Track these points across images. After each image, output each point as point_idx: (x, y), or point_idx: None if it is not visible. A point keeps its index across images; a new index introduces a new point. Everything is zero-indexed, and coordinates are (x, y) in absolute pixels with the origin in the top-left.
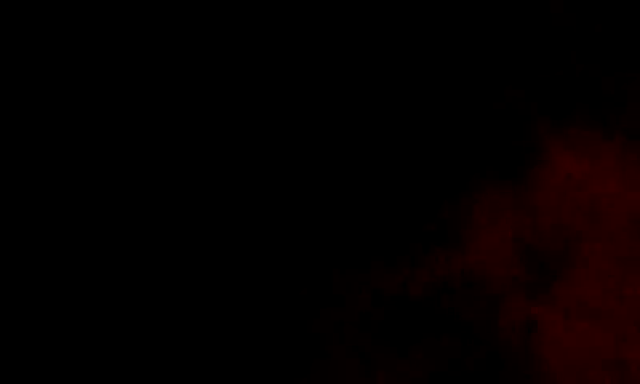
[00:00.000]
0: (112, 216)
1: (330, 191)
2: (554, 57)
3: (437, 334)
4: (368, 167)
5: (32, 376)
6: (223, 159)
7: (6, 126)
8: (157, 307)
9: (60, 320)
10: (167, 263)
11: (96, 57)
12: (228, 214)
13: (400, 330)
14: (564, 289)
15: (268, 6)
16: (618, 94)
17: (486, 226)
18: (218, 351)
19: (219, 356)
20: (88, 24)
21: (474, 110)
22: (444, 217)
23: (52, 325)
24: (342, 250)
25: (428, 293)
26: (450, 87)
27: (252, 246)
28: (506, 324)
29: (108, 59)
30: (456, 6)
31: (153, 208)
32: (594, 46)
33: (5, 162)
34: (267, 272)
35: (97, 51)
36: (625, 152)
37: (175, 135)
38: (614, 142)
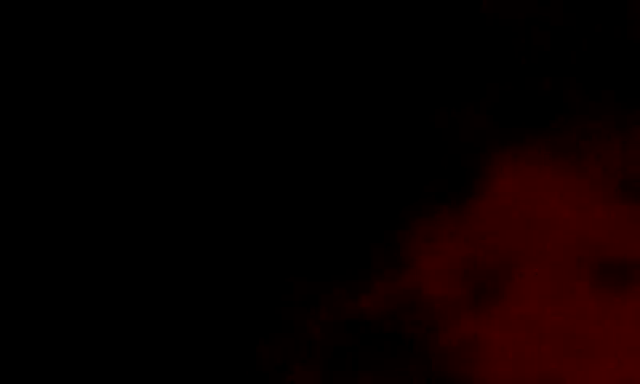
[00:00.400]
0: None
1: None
2: (504, 73)
3: (384, 357)
4: (301, 200)
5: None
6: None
7: (6, 124)
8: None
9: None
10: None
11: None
12: (163, 228)
13: (349, 354)
14: (502, 308)
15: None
16: (565, 115)
17: (430, 247)
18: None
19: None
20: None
21: (419, 127)
22: (389, 241)
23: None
24: (288, 274)
25: (372, 317)
26: (390, 105)
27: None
28: (448, 342)
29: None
30: (396, 16)
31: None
32: (546, 66)
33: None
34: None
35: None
36: (567, 174)
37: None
38: (558, 164)
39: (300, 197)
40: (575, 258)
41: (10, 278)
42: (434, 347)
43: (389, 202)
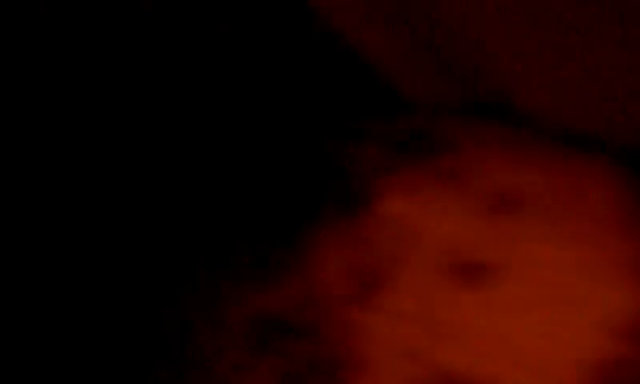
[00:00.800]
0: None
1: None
2: (389, 108)
3: (288, 343)
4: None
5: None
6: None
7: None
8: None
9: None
10: None
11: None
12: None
13: (260, 340)
14: (380, 300)
15: None
16: (448, 144)
17: (325, 254)
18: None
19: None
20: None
21: (316, 157)
22: (292, 249)
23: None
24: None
25: (278, 310)
26: (276, 129)
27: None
28: (336, 328)
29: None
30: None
31: None
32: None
33: None
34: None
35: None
36: (447, 194)
37: None
38: (439, 186)
39: (214, 203)
40: (443, 261)
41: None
42: (323, 335)
43: (293, 217)
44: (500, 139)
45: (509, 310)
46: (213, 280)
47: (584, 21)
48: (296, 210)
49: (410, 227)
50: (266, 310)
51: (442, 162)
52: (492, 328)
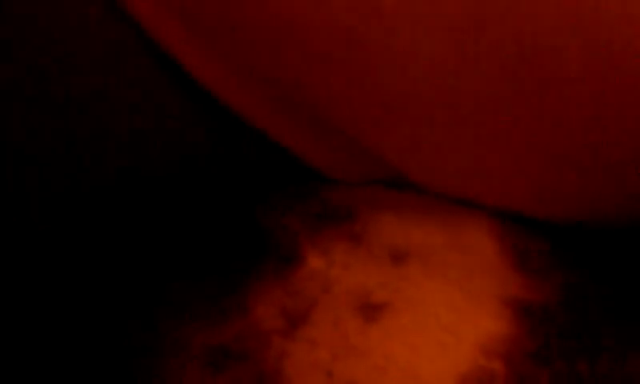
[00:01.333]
0: None
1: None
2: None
3: (233, 364)
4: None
5: None
6: None
7: None
8: None
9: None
10: None
11: None
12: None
13: (214, 363)
14: (303, 333)
15: None
16: (357, 213)
17: (263, 300)
18: None
19: None
20: None
21: (241, 219)
22: (236, 296)
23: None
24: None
25: (225, 341)
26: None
27: None
28: (270, 355)
29: None
30: None
31: None
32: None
33: None
34: None
35: None
36: (357, 250)
37: None
38: (348, 242)
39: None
40: (352, 301)
41: None
42: (261, 358)
43: (237, 271)
44: (396, 205)
45: (401, 336)
46: (178, 314)
47: (452, 113)
48: (239, 265)
49: (326, 277)
50: (218, 339)
51: (351, 226)
52: (388, 350)
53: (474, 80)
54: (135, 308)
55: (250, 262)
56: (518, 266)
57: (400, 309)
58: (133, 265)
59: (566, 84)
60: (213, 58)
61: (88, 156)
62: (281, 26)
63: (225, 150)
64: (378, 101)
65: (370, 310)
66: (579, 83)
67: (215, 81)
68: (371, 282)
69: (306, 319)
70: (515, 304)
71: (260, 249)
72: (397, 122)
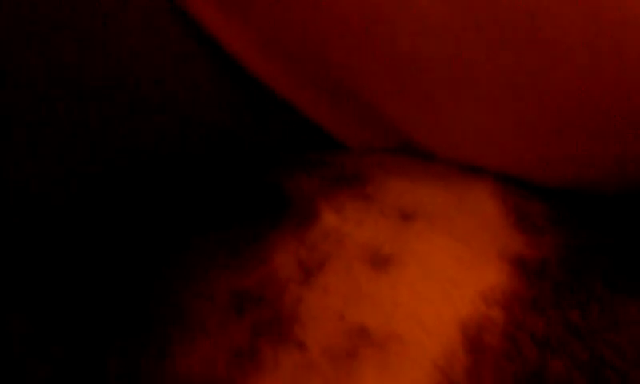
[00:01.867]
0: None
1: None
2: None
3: (254, 308)
4: None
5: None
6: None
7: None
8: None
9: None
10: None
11: None
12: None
13: (236, 306)
14: (320, 280)
15: None
16: (365, 175)
17: (280, 250)
18: None
19: None
20: None
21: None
22: (255, 246)
23: None
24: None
25: (247, 287)
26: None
27: None
28: (289, 300)
29: None
30: None
31: None
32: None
33: None
34: None
35: None
36: (365, 208)
37: None
38: (360, 202)
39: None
40: (363, 254)
41: None
42: (278, 303)
43: (259, 225)
44: (406, 169)
45: (408, 286)
46: (204, 262)
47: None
48: (260, 221)
49: (340, 233)
50: (240, 286)
51: (363, 188)
52: (396, 297)
53: (479, 46)
54: (165, 256)
55: (271, 218)
56: (518, 226)
57: (407, 261)
58: (165, 218)
59: (565, 50)
60: (240, 29)
61: (127, 117)
62: None
63: (251, 117)
64: (390, 66)
65: (380, 262)
66: (578, 49)
67: (242, 50)
68: (381, 237)
69: (320, 269)
70: (515, 259)
71: (280, 207)
72: (407, 87)
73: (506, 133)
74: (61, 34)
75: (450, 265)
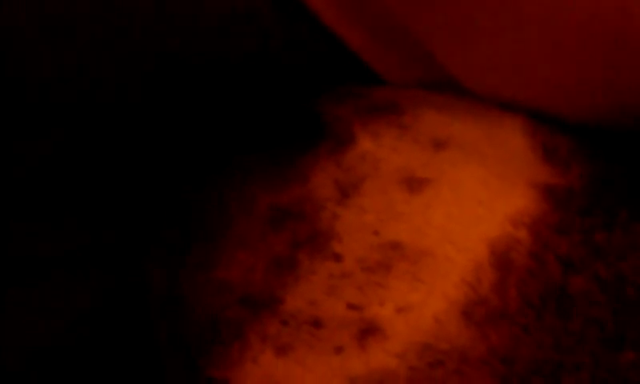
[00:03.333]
0: None
1: None
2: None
3: (292, 223)
4: None
5: None
6: None
7: None
8: None
9: None
10: None
11: None
12: None
13: (276, 220)
14: (356, 200)
15: None
16: (400, 103)
17: (318, 171)
18: None
19: None
20: None
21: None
22: (296, 167)
23: None
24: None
25: (287, 203)
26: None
27: None
28: (326, 218)
29: None
30: None
31: None
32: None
33: None
34: None
35: None
36: (400, 136)
37: None
38: (395, 131)
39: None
40: (396, 177)
41: None
42: (316, 219)
43: (299, 147)
44: (440, 104)
45: (441, 207)
46: (246, 179)
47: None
48: (299, 144)
49: (375, 157)
50: (279, 202)
51: (398, 118)
52: (428, 217)
53: None
54: (210, 172)
55: (309, 142)
56: (546, 159)
57: (440, 184)
58: (213, 138)
59: None
60: None
61: (175, 36)
62: None
63: (295, 48)
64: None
65: (414, 184)
66: None
67: None
68: (415, 162)
69: (356, 189)
70: (541, 187)
71: (318, 132)
72: (447, 19)
73: (535, 61)
74: None
75: (480, 190)
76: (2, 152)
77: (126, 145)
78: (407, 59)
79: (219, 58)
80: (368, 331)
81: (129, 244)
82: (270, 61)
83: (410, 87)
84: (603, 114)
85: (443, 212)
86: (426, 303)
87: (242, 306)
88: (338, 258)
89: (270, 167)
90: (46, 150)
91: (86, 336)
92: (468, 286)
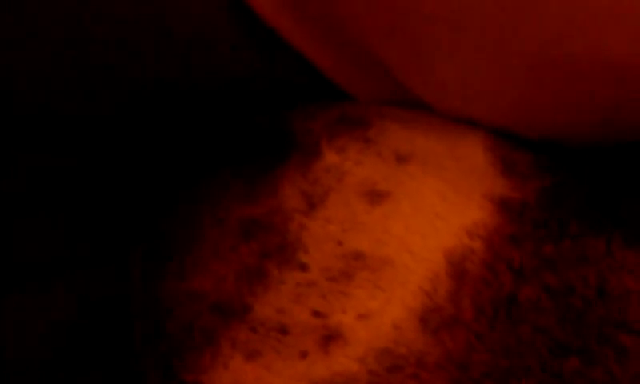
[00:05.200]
0: None
1: None
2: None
3: (261, 234)
4: None
5: None
6: None
7: None
8: None
9: None
10: None
11: None
12: None
13: (245, 232)
14: (322, 211)
15: None
16: (365, 118)
17: (287, 184)
18: None
19: None
20: None
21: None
22: (267, 179)
23: None
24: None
25: (257, 215)
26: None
27: None
28: (294, 228)
29: None
30: None
31: None
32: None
33: None
34: None
35: None
36: (364, 149)
37: None
38: (360, 144)
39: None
40: (360, 189)
41: None
42: (284, 230)
43: (268, 161)
44: (405, 119)
45: (400, 218)
46: (219, 193)
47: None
48: (269, 158)
49: (340, 170)
50: (250, 214)
51: (364, 132)
52: (388, 228)
53: None
54: (183, 188)
55: (279, 155)
56: (504, 173)
57: (400, 197)
58: (187, 153)
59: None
60: None
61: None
62: None
63: (265, 67)
64: (385, 10)
65: (375, 196)
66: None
67: (258, 2)
68: (377, 175)
69: (321, 201)
70: (498, 200)
71: (287, 146)
72: (402, 34)
73: (492, 83)
74: None
75: (438, 202)
76: None
77: (102, 162)
78: (374, 79)
79: (191, 80)
80: (331, 337)
81: (107, 257)
82: (242, 80)
83: (377, 103)
84: (557, 131)
85: (402, 223)
86: (385, 310)
87: (213, 313)
88: (304, 267)
89: (242, 180)
90: (29, 162)
91: (61, 347)
92: (425, 294)
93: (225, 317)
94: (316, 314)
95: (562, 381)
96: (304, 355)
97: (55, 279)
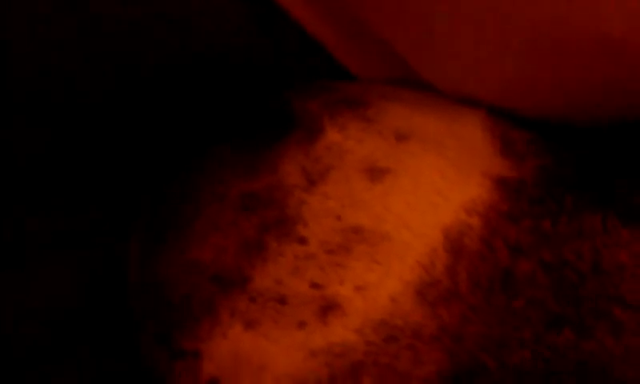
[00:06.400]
0: None
1: None
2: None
3: (261, 209)
4: None
5: None
6: None
7: None
8: None
9: None
10: None
11: None
12: None
13: (245, 207)
14: (321, 187)
15: None
16: (366, 97)
17: (286, 160)
18: None
19: None
20: None
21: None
22: (267, 159)
23: None
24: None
25: (257, 190)
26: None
27: None
28: (293, 203)
29: None
30: None
31: None
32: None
33: None
34: None
35: None
36: (365, 128)
37: None
38: (360, 122)
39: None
40: (360, 166)
41: None
42: (284, 204)
43: (270, 137)
44: (406, 98)
45: (400, 195)
46: (219, 168)
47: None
48: (270, 135)
49: (341, 148)
50: (250, 189)
51: (365, 111)
52: (387, 204)
53: None
54: (186, 161)
55: (280, 132)
56: (503, 152)
57: (400, 174)
58: (191, 128)
59: None
60: None
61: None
62: None
63: (267, 44)
64: None
65: (376, 174)
66: None
67: None
68: (378, 153)
69: (322, 178)
70: (496, 178)
71: (289, 124)
72: (407, 16)
73: (491, 60)
74: None
75: (437, 179)
76: None
77: (103, 138)
78: (376, 56)
79: (192, 54)
80: (329, 308)
81: (106, 231)
82: (244, 58)
83: (378, 82)
84: (556, 109)
85: (402, 200)
86: (382, 283)
87: (213, 283)
88: (303, 240)
89: (243, 156)
90: (28, 140)
91: (60, 321)
92: (422, 269)
93: (224, 287)
94: (314, 285)
95: (556, 353)
96: (302, 325)
97: (54, 253)
